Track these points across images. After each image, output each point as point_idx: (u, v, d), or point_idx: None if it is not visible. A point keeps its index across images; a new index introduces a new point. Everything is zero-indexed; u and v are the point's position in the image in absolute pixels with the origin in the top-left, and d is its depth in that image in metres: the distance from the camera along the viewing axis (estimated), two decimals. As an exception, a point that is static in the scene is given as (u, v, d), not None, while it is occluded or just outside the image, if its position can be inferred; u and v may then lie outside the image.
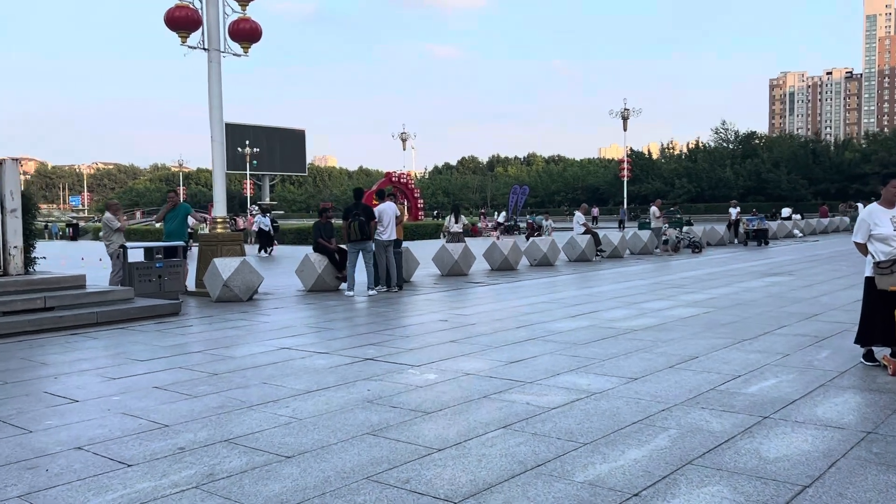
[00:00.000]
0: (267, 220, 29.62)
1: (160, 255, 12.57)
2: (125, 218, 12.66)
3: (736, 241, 28.71)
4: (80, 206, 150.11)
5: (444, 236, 41.60)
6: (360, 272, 13.92)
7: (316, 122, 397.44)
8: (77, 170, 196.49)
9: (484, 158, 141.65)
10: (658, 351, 7.58)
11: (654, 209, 24.68)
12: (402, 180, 58.19)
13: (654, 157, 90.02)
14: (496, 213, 49.17)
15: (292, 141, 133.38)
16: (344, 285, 13.93)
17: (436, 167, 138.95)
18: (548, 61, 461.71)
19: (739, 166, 75.57)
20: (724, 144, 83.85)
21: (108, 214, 13.08)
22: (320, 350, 7.94)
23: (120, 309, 10.47)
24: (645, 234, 23.62)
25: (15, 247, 10.56)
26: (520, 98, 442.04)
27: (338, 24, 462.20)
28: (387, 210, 13.83)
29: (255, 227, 30.79)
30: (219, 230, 13.86)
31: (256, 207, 32.63)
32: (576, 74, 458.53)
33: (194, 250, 13.89)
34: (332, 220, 14.87)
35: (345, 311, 11.29)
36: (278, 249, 34.03)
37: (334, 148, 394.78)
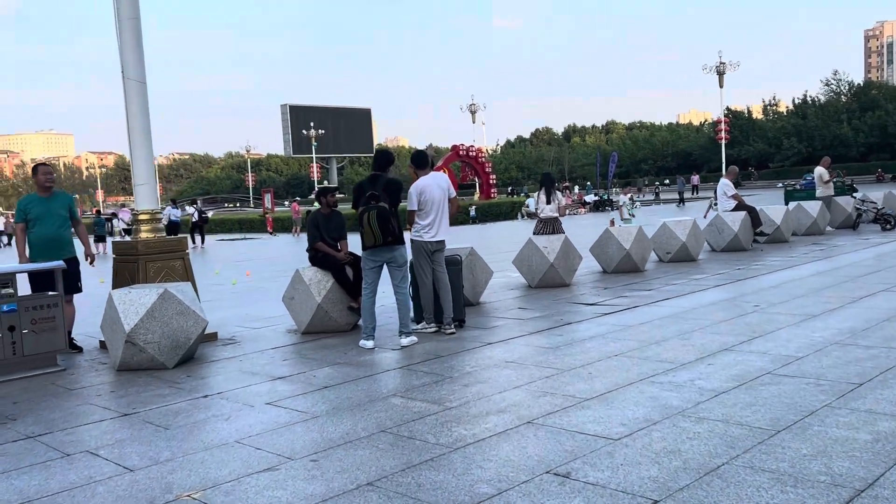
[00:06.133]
0: (178, 212, 28.72)
1: (9, 290, 6.72)
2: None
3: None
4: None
5: (524, 217, 35.08)
6: (387, 296, 7.92)
7: (385, 104, 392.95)
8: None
9: (559, 129, 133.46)
10: None
11: (820, 171, 17.65)
12: (470, 154, 51.88)
13: (756, 116, 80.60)
14: (577, 188, 42.41)
15: (358, 121, 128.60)
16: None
17: (508, 141, 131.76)
18: (621, 28, 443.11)
19: (859, 121, 65.80)
20: (837, 97, 73.80)
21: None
22: None
23: None
24: (813, 207, 16.67)
25: None
26: (593, 67, 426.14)
27: (400, 1, 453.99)
28: (431, 188, 7.64)
29: (164, 221, 28.73)
30: (142, 234, 7.95)
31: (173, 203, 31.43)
32: (651, 41, 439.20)
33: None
34: (340, 209, 8.74)
35: (341, 408, 5.21)
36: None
37: (405, 128, 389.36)
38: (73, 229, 7.86)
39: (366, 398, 5.41)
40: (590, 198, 43.73)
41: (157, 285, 7.05)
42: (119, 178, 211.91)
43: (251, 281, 15.23)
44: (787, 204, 17.90)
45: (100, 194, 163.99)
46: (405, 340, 7.18)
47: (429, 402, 5.18)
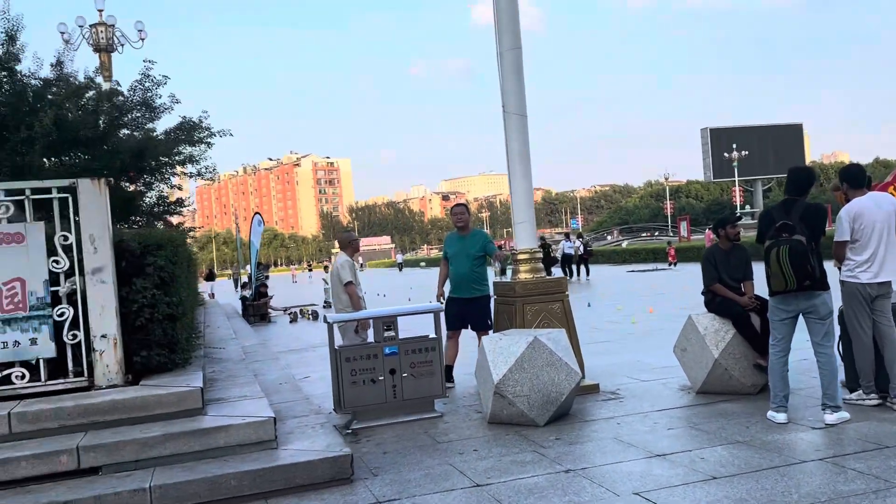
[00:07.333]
0: (571, 245, 29.52)
1: (390, 332, 6.73)
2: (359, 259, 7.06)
3: None
4: (577, 227, 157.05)
5: None
6: (803, 350, 6.20)
7: (822, 117, 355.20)
8: (573, 194, 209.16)
9: None
10: None
11: None
12: (932, 164, 43.12)
13: None
14: None
15: (787, 137, 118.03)
16: (775, 385, 6.25)
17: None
18: None
19: None
20: None
21: (342, 257, 7.83)
22: None
23: (213, 478, 4.90)
24: None
25: (104, 336, 5.89)
26: None
27: (834, 3, 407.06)
28: (870, 211, 5.73)
29: (558, 253, 31.27)
30: (521, 275, 7.47)
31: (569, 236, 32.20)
32: None
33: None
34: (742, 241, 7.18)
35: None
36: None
37: (844, 141, 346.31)
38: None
39: (768, 507, 3.96)
40: None
41: (526, 332, 6.46)
42: (546, 210, 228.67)
43: (653, 319, 14.09)
44: None
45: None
46: (831, 417, 5.41)
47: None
